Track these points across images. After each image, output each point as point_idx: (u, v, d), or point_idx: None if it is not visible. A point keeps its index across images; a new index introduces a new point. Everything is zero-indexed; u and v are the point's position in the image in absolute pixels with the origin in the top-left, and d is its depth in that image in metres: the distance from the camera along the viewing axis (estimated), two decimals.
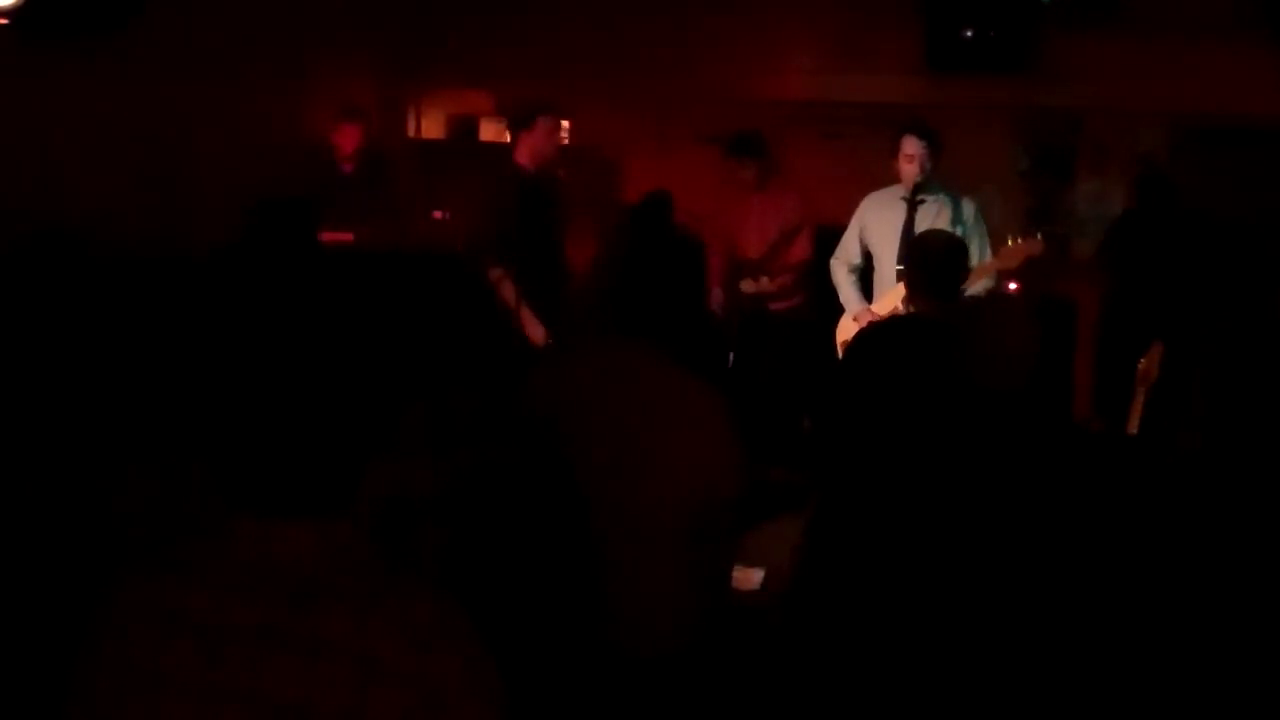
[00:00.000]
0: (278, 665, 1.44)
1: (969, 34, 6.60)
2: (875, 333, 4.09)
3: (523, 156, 5.51)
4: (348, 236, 6.19)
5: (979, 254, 5.29)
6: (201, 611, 1.48)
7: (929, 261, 4.00)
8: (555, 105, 5.59)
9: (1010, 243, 5.27)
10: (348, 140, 6.78)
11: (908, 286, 4.15)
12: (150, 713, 1.47)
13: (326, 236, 5.56)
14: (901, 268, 5.33)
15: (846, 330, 5.69)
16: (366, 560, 1.54)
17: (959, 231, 5.11)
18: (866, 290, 5.69)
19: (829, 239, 5.92)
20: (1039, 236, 5.25)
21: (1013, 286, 5.47)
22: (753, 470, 2.63)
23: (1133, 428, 4.35)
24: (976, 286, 5.06)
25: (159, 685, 1.47)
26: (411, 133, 7.77)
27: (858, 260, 5.69)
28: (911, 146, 5.38)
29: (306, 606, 1.46)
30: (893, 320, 4.59)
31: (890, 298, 5.44)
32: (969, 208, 5.46)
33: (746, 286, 6.27)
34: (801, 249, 6.30)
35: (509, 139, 5.67)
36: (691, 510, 2.52)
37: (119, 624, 1.51)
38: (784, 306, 6.34)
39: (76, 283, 2.79)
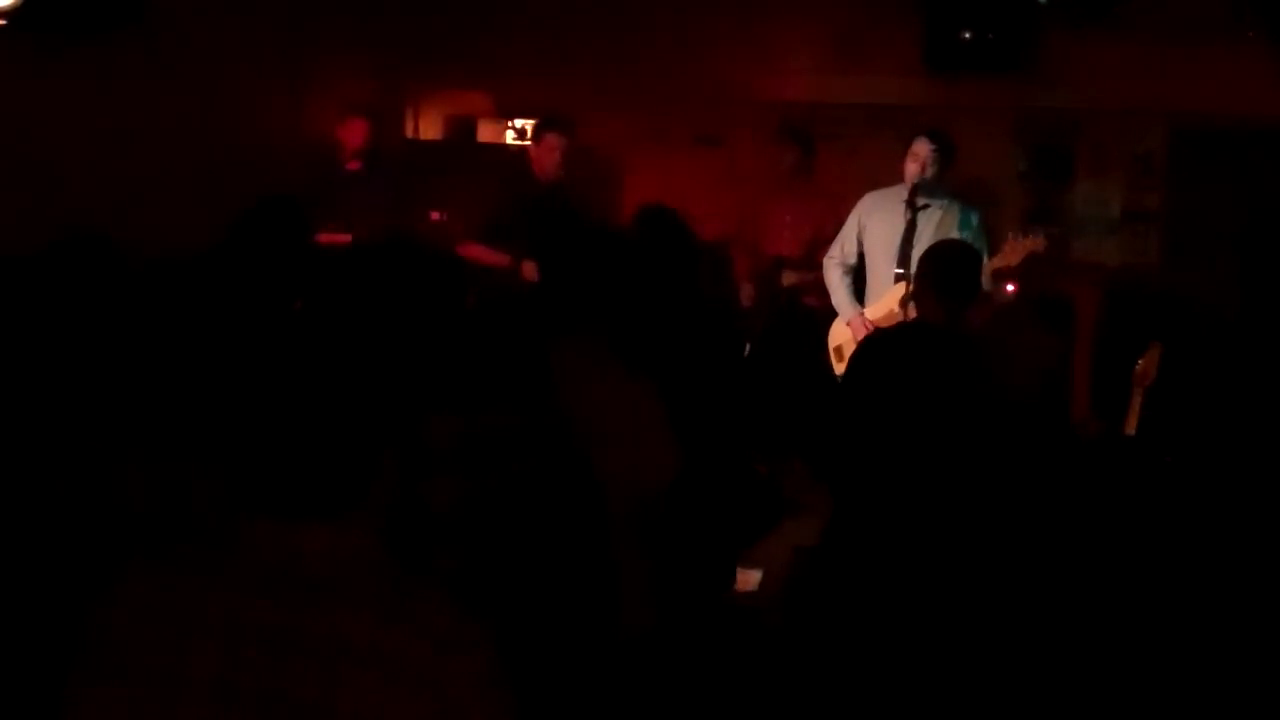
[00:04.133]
0: (296, 666, 1.45)
1: (967, 35, 6.59)
2: (883, 340, 4.08)
3: (535, 167, 5.96)
4: (346, 238, 6.12)
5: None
6: (220, 612, 1.48)
7: (945, 270, 3.92)
8: (562, 124, 5.95)
9: (1011, 239, 5.27)
10: (354, 135, 6.52)
11: (919, 293, 4.06)
12: (166, 713, 1.47)
13: (324, 238, 5.54)
14: (900, 271, 5.32)
15: (839, 335, 5.66)
16: (383, 563, 1.55)
17: (962, 239, 5.10)
18: (859, 292, 5.68)
19: None
20: (1040, 234, 5.27)
21: (1010, 288, 5.47)
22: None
23: (1130, 428, 4.34)
24: None
25: (176, 685, 1.47)
26: (410, 133, 7.76)
27: (853, 261, 5.67)
28: (919, 147, 5.38)
29: (325, 608, 1.47)
30: (900, 327, 4.55)
31: (886, 301, 5.42)
32: (974, 216, 5.45)
33: (789, 279, 6.35)
34: None
35: (516, 142, 5.91)
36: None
37: (130, 624, 1.51)
38: (819, 303, 6.40)
39: (110, 285, 2.79)
